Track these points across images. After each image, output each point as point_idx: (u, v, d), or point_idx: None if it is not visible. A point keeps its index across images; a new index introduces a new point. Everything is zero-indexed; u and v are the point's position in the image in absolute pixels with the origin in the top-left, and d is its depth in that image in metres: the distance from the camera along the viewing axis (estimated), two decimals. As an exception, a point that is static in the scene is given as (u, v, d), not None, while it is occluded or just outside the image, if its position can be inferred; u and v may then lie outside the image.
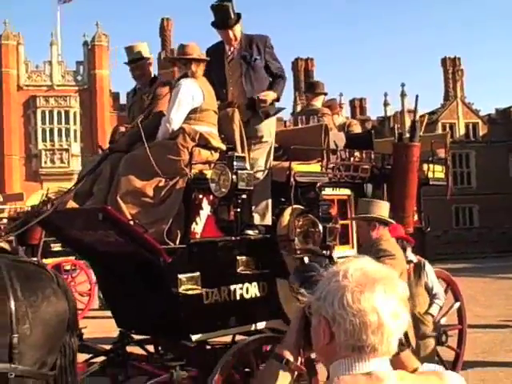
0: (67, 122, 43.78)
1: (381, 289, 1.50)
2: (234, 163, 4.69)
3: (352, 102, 51.17)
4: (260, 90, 5.36)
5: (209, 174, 4.74)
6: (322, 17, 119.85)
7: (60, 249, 13.31)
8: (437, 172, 6.74)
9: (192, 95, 4.95)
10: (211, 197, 4.81)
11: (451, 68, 44.62)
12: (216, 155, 4.95)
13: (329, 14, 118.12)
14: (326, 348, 1.57)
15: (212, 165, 4.83)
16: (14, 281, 3.72)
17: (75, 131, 45.05)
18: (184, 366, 4.80)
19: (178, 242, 4.67)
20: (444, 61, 45.17)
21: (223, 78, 5.47)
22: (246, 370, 5.04)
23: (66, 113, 44.04)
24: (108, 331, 5.99)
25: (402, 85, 42.97)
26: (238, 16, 5.41)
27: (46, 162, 42.08)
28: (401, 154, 5.89)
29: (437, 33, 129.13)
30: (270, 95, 5.34)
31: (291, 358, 1.80)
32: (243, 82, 5.39)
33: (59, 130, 43.27)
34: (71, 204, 4.92)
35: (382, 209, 5.15)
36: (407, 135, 6.38)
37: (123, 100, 48.27)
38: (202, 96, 4.98)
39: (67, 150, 43.31)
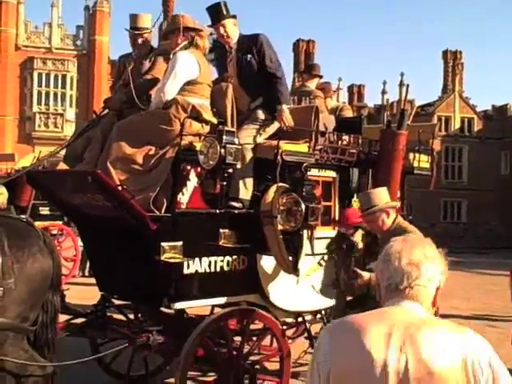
0: (63, 87, 43.42)
1: (415, 249, 2.03)
2: (224, 137, 4.80)
3: (350, 88, 51.12)
4: (252, 90, 5.51)
5: (198, 146, 4.85)
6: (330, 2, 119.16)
7: (48, 213, 13.41)
8: (422, 162, 6.84)
9: (188, 67, 5.04)
10: (199, 169, 4.93)
11: (452, 61, 44.61)
12: (207, 128, 5.04)
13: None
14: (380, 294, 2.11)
15: (202, 137, 4.93)
16: (1, 236, 3.84)
17: (71, 96, 44.79)
18: (161, 333, 4.93)
19: (163, 210, 4.78)
20: (445, 53, 45.13)
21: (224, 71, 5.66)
22: (221, 341, 5.21)
23: (63, 77, 43.66)
24: (87, 298, 6.11)
25: (401, 74, 43.03)
26: (232, 16, 5.55)
27: (39, 126, 41.85)
28: (387, 141, 5.99)
29: (439, 25, 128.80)
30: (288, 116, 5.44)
31: None
32: (238, 83, 5.52)
33: (55, 94, 42.96)
34: (62, 166, 5.02)
35: (383, 195, 4.93)
36: (408, 112, 6.46)
37: (121, 68, 48.29)
38: (198, 69, 5.08)
39: (62, 115, 43.00)
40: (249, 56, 5.47)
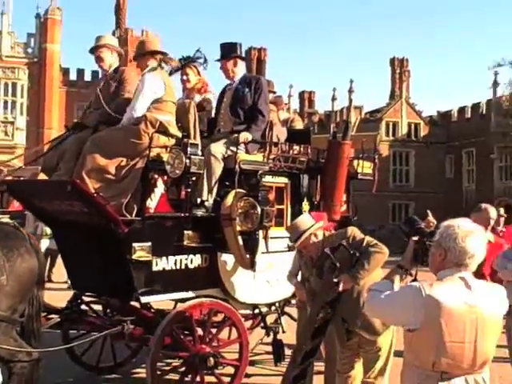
0: (14, 95, 43.12)
1: (475, 235, 2.78)
2: (188, 149, 5.42)
3: (301, 95, 52.11)
4: (239, 116, 6.18)
5: (165, 157, 5.44)
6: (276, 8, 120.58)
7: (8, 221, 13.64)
8: (365, 168, 7.53)
9: (155, 87, 5.66)
10: (165, 177, 5.53)
11: (399, 68, 45.90)
12: (173, 141, 5.63)
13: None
14: (438, 263, 2.83)
15: (168, 149, 5.53)
16: None
17: (22, 104, 44.45)
18: (133, 323, 5.49)
19: (134, 214, 5.35)
20: (392, 60, 46.42)
21: (220, 103, 6.35)
22: (186, 332, 5.78)
23: (14, 85, 43.34)
24: (54, 301, 6.59)
25: (351, 81, 43.92)
26: (242, 58, 6.38)
27: (-11, 134, 41.34)
28: (333, 150, 6.67)
29: (387, 33, 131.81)
30: (245, 137, 5.98)
31: (408, 267, 3.15)
32: (230, 109, 6.20)
33: (5, 102, 42.62)
34: (42, 176, 5.54)
35: (307, 220, 5.06)
36: (352, 124, 7.13)
37: (73, 76, 47.85)
38: (164, 88, 5.68)
39: (12, 123, 42.64)
40: (246, 90, 6.16)
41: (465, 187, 43.76)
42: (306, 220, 5.05)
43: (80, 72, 48.27)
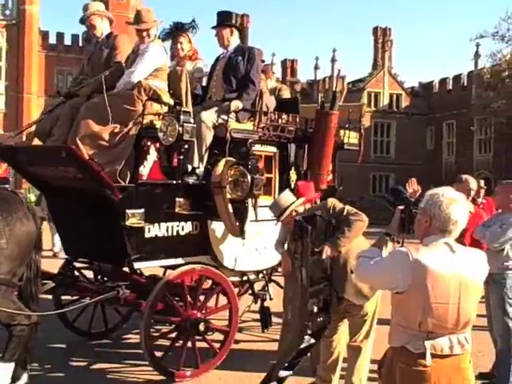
0: (-8, 58, 42.42)
1: (458, 202, 2.95)
2: (181, 117, 5.49)
3: (284, 63, 51.81)
4: (231, 84, 6.23)
5: (158, 124, 5.51)
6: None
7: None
8: (351, 138, 7.66)
9: (158, 57, 5.81)
10: (158, 144, 5.60)
11: (381, 38, 45.80)
12: (165, 108, 5.70)
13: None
14: (424, 230, 3.01)
15: (161, 117, 5.59)
16: None
17: (0, 68, 43.81)
18: (127, 288, 5.61)
19: (127, 181, 5.43)
20: (375, 30, 46.24)
21: (213, 71, 6.39)
22: (177, 298, 5.91)
23: (-9, 48, 42.63)
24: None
25: (334, 50, 43.83)
26: (238, 28, 6.42)
27: (-32, 98, 40.75)
28: (321, 120, 6.77)
29: (371, 2, 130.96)
30: (236, 106, 6.05)
31: (395, 235, 3.30)
32: (222, 77, 6.25)
33: (-17, 66, 42.00)
34: (36, 141, 5.57)
35: (288, 197, 5.20)
36: (339, 94, 7.20)
37: (52, 39, 47.09)
38: (165, 58, 5.75)
39: (-9, 88, 42.03)
40: (239, 58, 6.22)
41: (444, 159, 44.24)
42: (287, 197, 5.21)
43: (60, 35, 47.51)
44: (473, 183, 6.28)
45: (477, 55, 40.05)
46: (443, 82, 44.99)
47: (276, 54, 47.06)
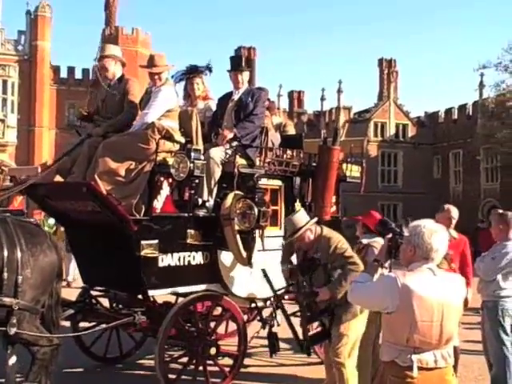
0: (5, 92, 43.06)
1: (438, 233, 3.36)
2: (192, 154, 5.92)
3: (290, 94, 52.50)
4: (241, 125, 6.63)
5: (171, 161, 5.93)
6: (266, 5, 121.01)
7: None
8: (353, 171, 8.06)
9: (170, 100, 6.28)
10: (170, 180, 6.01)
11: (387, 69, 46.39)
12: (177, 146, 6.13)
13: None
14: (409, 257, 3.39)
15: (174, 154, 6.01)
16: (19, 236, 4.81)
17: (12, 102, 44.52)
18: (143, 314, 5.96)
19: (142, 214, 5.83)
20: (381, 61, 46.85)
21: (223, 111, 6.81)
22: (189, 324, 6.26)
23: (4, 82, 43.29)
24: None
25: (340, 82, 44.35)
26: (248, 66, 7.00)
27: (-19, 132, 41.35)
28: (324, 155, 7.17)
29: (376, 34, 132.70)
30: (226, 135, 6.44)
31: (382, 261, 3.67)
32: (233, 115, 6.70)
33: (-4, 100, 42.72)
34: (58, 178, 6.00)
35: (303, 217, 5.67)
36: (341, 130, 7.62)
37: (64, 73, 47.99)
38: (176, 100, 6.18)
39: (3, 121, 42.62)
40: (249, 99, 6.69)
41: (452, 188, 44.39)
42: (302, 217, 5.65)
43: (70, 70, 48.42)
44: (454, 212, 6.54)
45: (481, 85, 40.44)
46: (449, 111, 45.38)
47: (283, 86, 47.89)
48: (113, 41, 43.49)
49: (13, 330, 4.72)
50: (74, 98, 47.76)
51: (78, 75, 48.61)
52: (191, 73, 7.19)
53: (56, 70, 47.78)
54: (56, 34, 58.26)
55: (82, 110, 6.90)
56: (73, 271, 14.08)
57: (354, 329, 5.45)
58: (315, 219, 5.70)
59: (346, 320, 5.41)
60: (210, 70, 7.19)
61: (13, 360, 5.66)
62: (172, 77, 7.10)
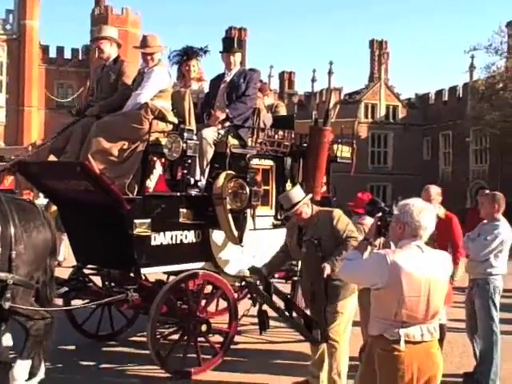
0: (-7, 72, 42.87)
1: (427, 211, 3.45)
2: (185, 134, 5.97)
3: (281, 75, 52.51)
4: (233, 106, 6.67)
5: (163, 141, 5.99)
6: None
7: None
8: (344, 152, 8.14)
9: (163, 81, 6.29)
10: (163, 160, 6.07)
11: (378, 50, 46.43)
12: (170, 126, 6.17)
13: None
14: (398, 235, 3.47)
15: (167, 134, 6.06)
16: (13, 212, 4.87)
17: (1, 82, 44.31)
18: (135, 291, 6.05)
19: (135, 193, 5.89)
20: (372, 43, 46.89)
21: (216, 92, 6.86)
22: (180, 302, 6.36)
23: (-7, 62, 43.08)
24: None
25: (330, 63, 44.48)
26: (240, 47, 7.04)
27: (-31, 111, 41.12)
28: (315, 135, 7.25)
29: (367, 15, 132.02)
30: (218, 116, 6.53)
31: (372, 239, 3.77)
32: (225, 96, 6.74)
33: (-15, 80, 42.45)
34: (51, 157, 6.04)
35: (299, 192, 5.65)
36: (332, 112, 7.67)
37: (53, 53, 47.74)
38: (169, 81, 6.25)
39: (-8, 101, 42.43)
40: (241, 80, 6.74)
41: (441, 169, 44.70)
42: (298, 192, 5.69)
43: (60, 49, 48.14)
44: (433, 191, 6.52)
45: (472, 67, 40.57)
46: (439, 93, 45.56)
47: (274, 66, 47.81)
48: (102, 20, 43.24)
49: (7, 304, 4.77)
50: (63, 78, 47.55)
51: (68, 55, 48.32)
52: (187, 54, 7.22)
53: (45, 49, 47.47)
54: (45, 13, 57.64)
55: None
56: (63, 251, 14.13)
57: (350, 307, 5.56)
58: (310, 195, 5.75)
59: (344, 297, 5.46)
60: (205, 53, 7.23)
61: (6, 336, 5.77)
62: (168, 57, 7.17)
